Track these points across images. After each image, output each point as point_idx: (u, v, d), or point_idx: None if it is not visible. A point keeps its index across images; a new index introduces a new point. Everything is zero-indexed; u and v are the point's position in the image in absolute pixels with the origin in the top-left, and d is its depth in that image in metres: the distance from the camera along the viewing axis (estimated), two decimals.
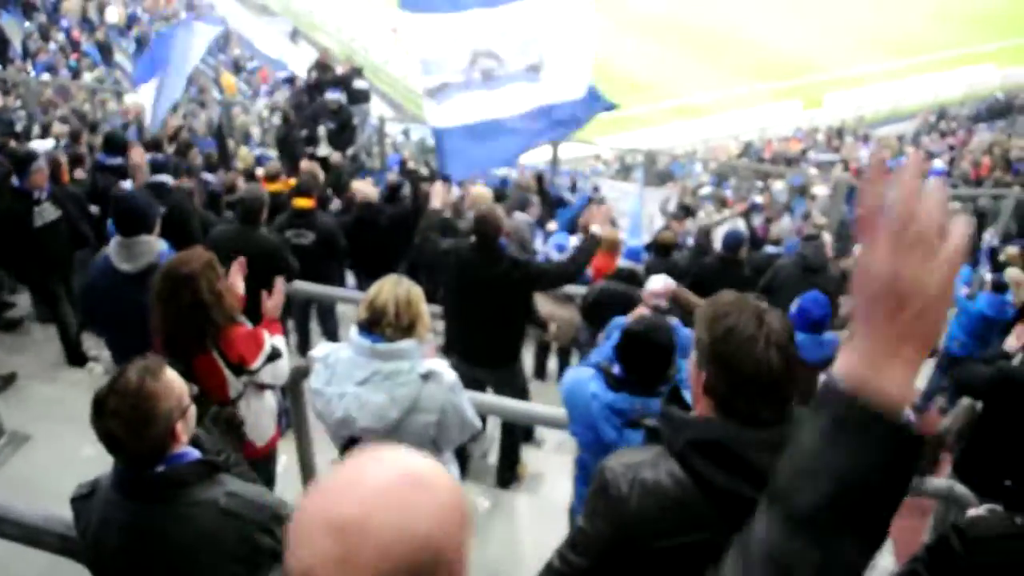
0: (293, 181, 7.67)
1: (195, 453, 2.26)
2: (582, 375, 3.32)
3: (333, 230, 6.65)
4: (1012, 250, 9.83)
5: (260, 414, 3.52)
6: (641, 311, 4.50)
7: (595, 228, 5.45)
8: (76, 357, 6.18)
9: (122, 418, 2.09)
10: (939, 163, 17.36)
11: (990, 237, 11.21)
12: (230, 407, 3.24)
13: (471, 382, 5.07)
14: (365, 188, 7.58)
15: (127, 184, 6.33)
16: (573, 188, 13.41)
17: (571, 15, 6.83)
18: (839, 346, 4.43)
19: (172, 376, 2.25)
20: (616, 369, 3.16)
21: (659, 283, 4.60)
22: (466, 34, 6.45)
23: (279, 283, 3.70)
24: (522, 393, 5.27)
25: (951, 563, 2.24)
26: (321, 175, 8.44)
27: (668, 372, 3.14)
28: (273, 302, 3.62)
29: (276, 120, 14.60)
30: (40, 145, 7.33)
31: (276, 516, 2.17)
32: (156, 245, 4.14)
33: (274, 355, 3.42)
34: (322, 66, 12.79)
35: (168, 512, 2.15)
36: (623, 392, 3.08)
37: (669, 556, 1.79)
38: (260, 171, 8.74)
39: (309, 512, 0.94)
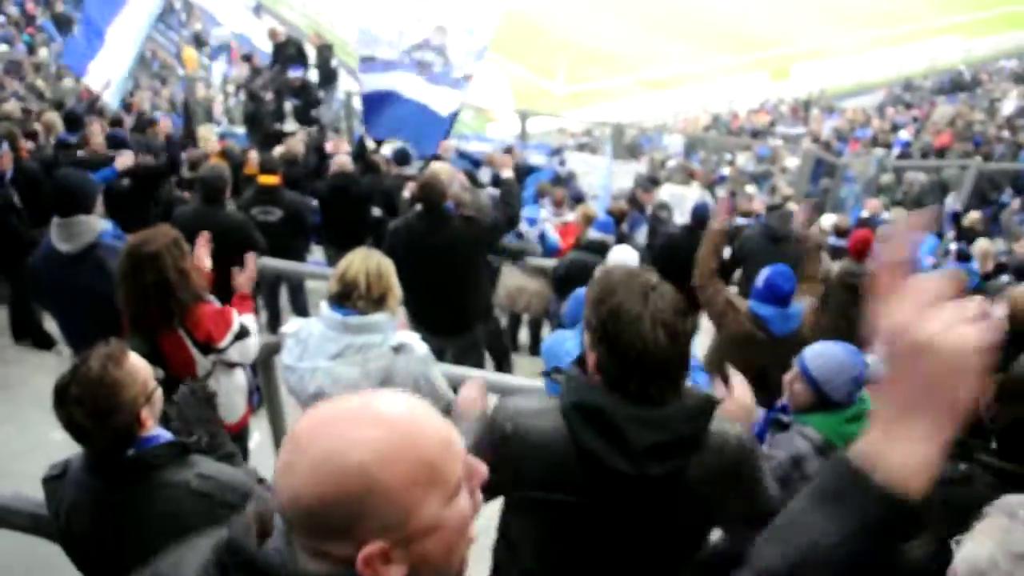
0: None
1: (166, 435, 2.24)
2: (563, 335, 3.33)
3: (300, 206, 6.62)
4: (974, 215, 10.01)
5: (230, 392, 3.49)
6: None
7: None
8: (41, 339, 6.09)
9: (85, 407, 2.06)
10: (904, 134, 17.55)
11: (951, 202, 11.40)
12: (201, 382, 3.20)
13: (435, 352, 5.14)
14: (341, 158, 7.52)
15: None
16: (556, 153, 13.37)
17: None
18: (804, 314, 4.49)
19: (136, 361, 2.21)
20: None
21: None
22: (406, 16, 6.67)
23: (250, 259, 3.65)
24: (480, 360, 5.37)
25: None
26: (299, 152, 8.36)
27: None
28: (245, 277, 3.58)
29: (241, 96, 14.39)
30: None
31: (247, 495, 2.14)
32: (95, 224, 3.99)
33: (242, 333, 3.38)
34: (277, 45, 12.52)
35: (139, 494, 2.13)
36: None
37: (539, 509, 1.84)
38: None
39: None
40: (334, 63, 13.10)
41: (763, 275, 4.56)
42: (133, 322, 3.18)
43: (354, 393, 1.03)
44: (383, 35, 7.02)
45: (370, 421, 0.97)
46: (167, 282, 3.14)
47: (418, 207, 5.04)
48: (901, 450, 0.86)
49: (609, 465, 1.70)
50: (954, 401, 0.84)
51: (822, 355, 2.85)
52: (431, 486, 0.98)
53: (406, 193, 5.65)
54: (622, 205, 7.99)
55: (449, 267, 4.98)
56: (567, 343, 3.18)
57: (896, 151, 16.66)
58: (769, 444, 2.84)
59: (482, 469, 1.07)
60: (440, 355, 4.95)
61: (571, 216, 8.34)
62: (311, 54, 12.78)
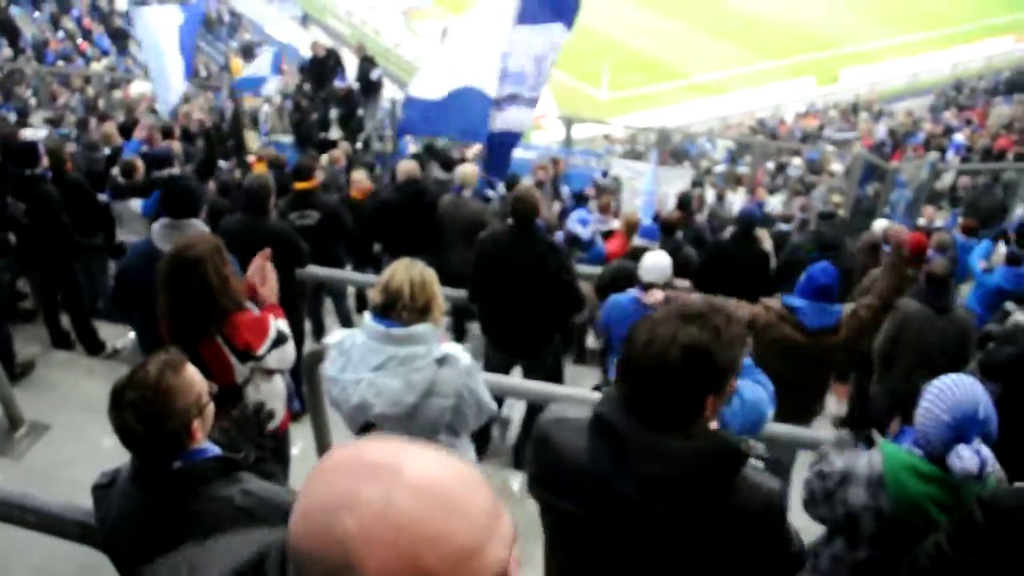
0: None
1: (214, 450, 2.25)
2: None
3: (336, 209, 6.67)
4: None
5: (270, 397, 3.50)
6: (655, 293, 4.49)
7: None
8: (93, 345, 6.21)
9: (138, 411, 2.08)
10: (959, 137, 17.16)
11: (1022, 212, 11.10)
12: (249, 401, 3.19)
13: (505, 364, 5.12)
14: (408, 164, 7.49)
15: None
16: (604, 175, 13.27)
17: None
18: (842, 317, 4.37)
19: (193, 372, 2.23)
20: None
21: (654, 297, 4.53)
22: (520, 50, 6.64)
23: (266, 267, 3.61)
24: (553, 377, 5.23)
25: (974, 535, 2.20)
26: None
27: None
28: (268, 287, 3.58)
29: (288, 105, 14.60)
30: (32, 135, 7.29)
31: (289, 514, 2.14)
32: (203, 229, 4.17)
33: (280, 340, 3.39)
34: (317, 58, 12.62)
35: (184, 507, 2.14)
36: None
37: (550, 512, 1.87)
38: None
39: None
40: (376, 73, 13.21)
41: (806, 271, 4.50)
42: (172, 329, 3.20)
43: (403, 438, 0.91)
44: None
45: (383, 486, 0.83)
46: (209, 288, 3.16)
47: (509, 221, 4.98)
48: None
49: (617, 490, 1.70)
50: None
51: (946, 389, 2.42)
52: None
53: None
54: (675, 216, 7.85)
55: (530, 286, 4.86)
56: (623, 300, 3.21)
57: (951, 154, 16.28)
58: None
59: None
60: (508, 368, 5.04)
61: (616, 223, 8.29)
62: (353, 64, 12.91)
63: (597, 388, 2.28)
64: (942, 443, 2.37)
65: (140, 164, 6.91)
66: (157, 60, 9.53)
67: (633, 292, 4.71)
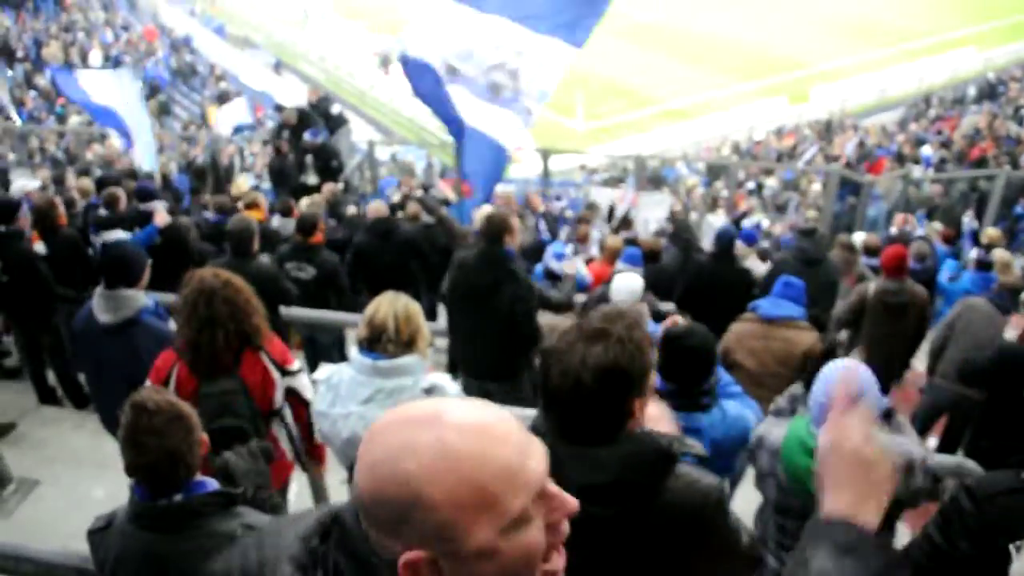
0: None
1: (213, 484, 2.27)
2: None
3: (335, 266, 6.57)
4: (992, 232, 9.84)
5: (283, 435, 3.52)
6: (675, 319, 4.46)
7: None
8: (79, 399, 6.18)
9: (161, 436, 2.13)
10: (928, 150, 17.42)
11: (968, 220, 11.24)
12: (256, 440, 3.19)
13: (482, 394, 4.97)
14: (376, 204, 7.63)
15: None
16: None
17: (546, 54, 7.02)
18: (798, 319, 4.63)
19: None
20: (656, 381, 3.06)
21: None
22: (485, 39, 6.78)
23: None
24: (530, 403, 5.24)
25: (962, 520, 2.27)
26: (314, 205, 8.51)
27: (709, 380, 2.99)
28: None
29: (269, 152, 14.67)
30: (28, 184, 7.30)
31: None
32: (138, 299, 4.04)
33: (302, 370, 3.46)
34: (288, 124, 12.67)
35: (184, 544, 2.14)
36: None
37: None
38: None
39: None
40: (336, 108, 13.31)
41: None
42: (211, 358, 3.18)
43: (440, 398, 1.03)
44: (449, 47, 7.10)
45: (434, 431, 0.99)
46: (238, 307, 3.21)
47: (479, 245, 4.90)
48: (870, 516, 1.20)
49: None
50: (885, 496, 1.22)
51: (834, 370, 2.68)
52: (481, 511, 0.97)
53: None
54: (653, 242, 7.92)
55: (489, 311, 4.76)
56: None
57: (921, 168, 16.52)
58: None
59: (571, 504, 1.08)
60: (488, 398, 4.95)
61: (593, 251, 8.35)
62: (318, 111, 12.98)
63: None
64: (819, 420, 2.55)
65: (122, 195, 6.92)
66: (133, 118, 9.75)
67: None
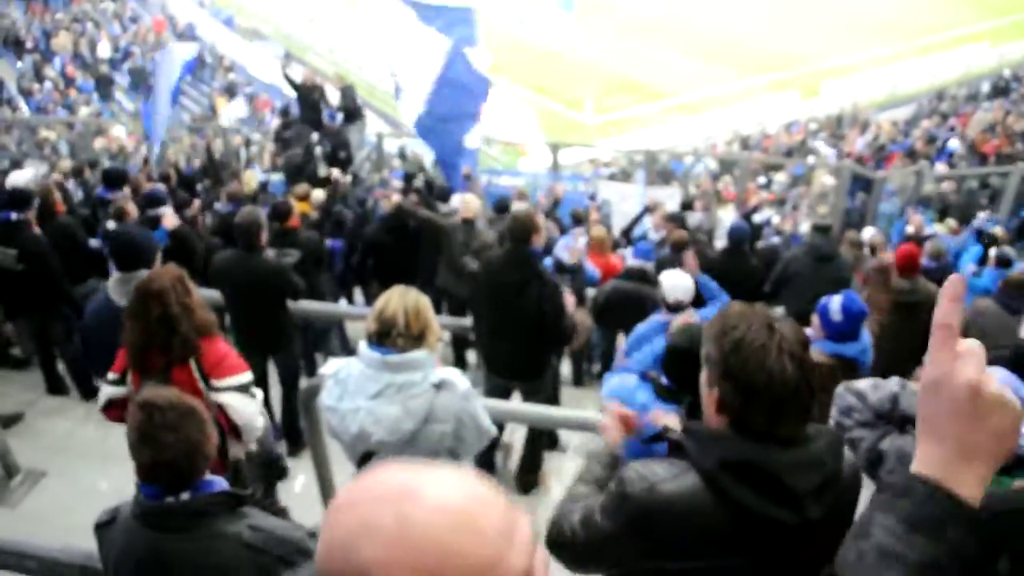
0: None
1: (221, 483, 2.23)
2: (628, 384, 3.16)
3: (318, 247, 6.72)
4: (999, 230, 9.77)
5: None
6: (686, 319, 4.38)
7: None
8: (87, 390, 6.16)
9: (174, 431, 2.11)
10: (955, 143, 17.33)
11: (984, 218, 11.17)
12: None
13: (502, 390, 5.05)
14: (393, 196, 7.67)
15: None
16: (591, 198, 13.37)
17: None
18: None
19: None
20: (664, 380, 2.96)
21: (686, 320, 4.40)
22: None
23: None
24: (551, 400, 5.20)
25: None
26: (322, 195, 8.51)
27: None
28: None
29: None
30: (21, 176, 7.25)
31: (300, 550, 2.12)
32: None
33: (246, 389, 3.34)
34: (305, 85, 12.70)
35: (190, 543, 2.11)
36: (673, 403, 2.84)
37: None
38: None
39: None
40: (359, 99, 13.30)
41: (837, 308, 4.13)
42: (140, 359, 3.25)
43: (412, 462, 0.90)
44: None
45: (397, 510, 0.82)
46: (171, 317, 3.22)
47: (505, 244, 4.93)
48: (963, 481, 0.96)
49: (773, 517, 1.62)
50: (1007, 445, 0.97)
51: None
52: None
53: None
54: (681, 235, 7.85)
55: (524, 311, 4.76)
56: (639, 395, 3.00)
57: (940, 163, 16.41)
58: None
59: None
60: (508, 393, 4.96)
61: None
62: (335, 96, 12.96)
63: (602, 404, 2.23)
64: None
65: (132, 208, 6.89)
66: (160, 99, 9.81)
67: (659, 317, 4.62)
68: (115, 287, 4.08)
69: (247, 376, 3.36)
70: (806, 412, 1.66)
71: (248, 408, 3.29)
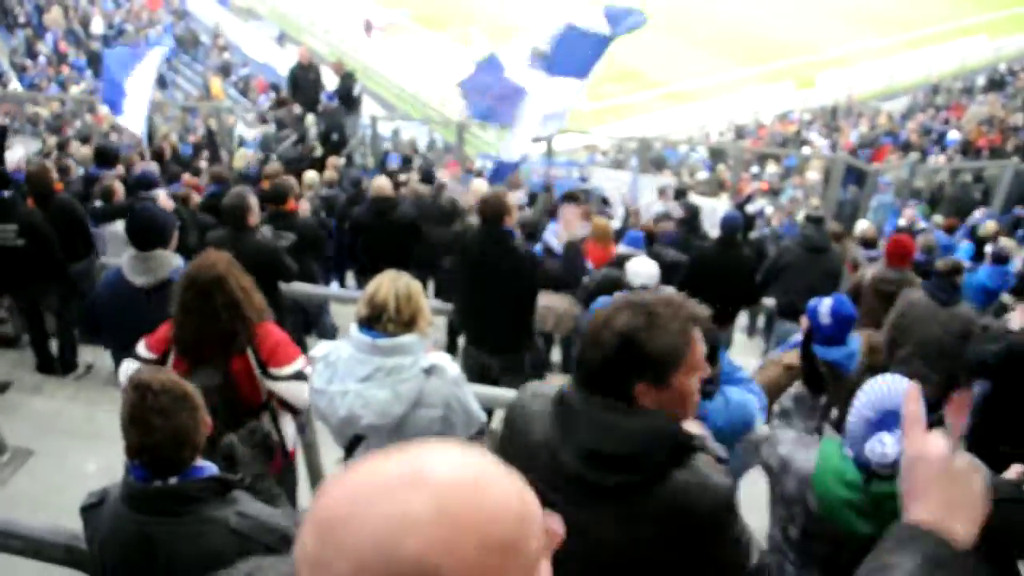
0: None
1: (211, 468, 2.21)
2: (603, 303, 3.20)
3: (314, 231, 6.69)
4: (991, 225, 9.79)
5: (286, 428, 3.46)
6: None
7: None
8: (69, 365, 6.15)
9: (165, 415, 2.08)
10: (955, 134, 17.38)
11: (980, 215, 11.21)
12: (262, 423, 3.10)
13: (479, 367, 5.13)
14: (380, 180, 7.57)
15: None
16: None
17: None
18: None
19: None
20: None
21: None
22: None
23: None
24: (528, 380, 5.24)
25: None
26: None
27: (712, 368, 2.96)
28: None
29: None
30: (11, 156, 7.22)
31: (286, 538, 2.10)
32: (173, 260, 4.08)
33: (300, 376, 3.29)
34: (301, 65, 12.64)
35: (177, 527, 2.10)
36: None
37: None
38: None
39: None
40: (358, 88, 13.20)
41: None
42: (200, 350, 3.15)
43: (394, 448, 0.85)
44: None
45: (422, 495, 0.78)
46: (237, 303, 3.14)
47: (477, 223, 5.05)
48: (958, 531, 1.13)
49: (560, 458, 1.71)
50: (977, 509, 1.16)
51: (875, 386, 2.43)
52: (505, 569, 0.80)
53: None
54: (651, 226, 7.87)
55: (503, 287, 4.95)
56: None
57: (935, 155, 16.45)
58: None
59: (558, 531, 0.91)
60: (487, 371, 5.05)
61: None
62: (333, 82, 12.90)
63: None
64: (863, 439, 2.36)
65: (119, 187, 6.86)
66: (139, 95, 9.77)
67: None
68: (130, 266, 3.99)
69: (302, 362, 3.30)
70: (623, 384, 1.71)
71: (304, 394, 3.22)
